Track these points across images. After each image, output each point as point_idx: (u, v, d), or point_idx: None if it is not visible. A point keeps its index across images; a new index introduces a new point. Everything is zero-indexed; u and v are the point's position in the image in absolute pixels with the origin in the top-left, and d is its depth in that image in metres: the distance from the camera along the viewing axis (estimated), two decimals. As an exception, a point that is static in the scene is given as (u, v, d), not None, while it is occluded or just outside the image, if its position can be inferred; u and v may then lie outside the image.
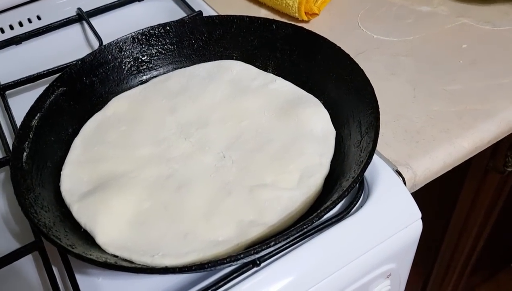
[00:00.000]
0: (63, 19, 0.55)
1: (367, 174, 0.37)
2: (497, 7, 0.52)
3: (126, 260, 0.31)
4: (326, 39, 0.41)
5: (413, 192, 0.38)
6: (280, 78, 0.43)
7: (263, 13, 0.56)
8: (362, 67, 0.37)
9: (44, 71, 0.48)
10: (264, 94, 0.42)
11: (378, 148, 0.39)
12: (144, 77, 0.46)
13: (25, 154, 0.36)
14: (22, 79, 0.48)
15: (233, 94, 0.43)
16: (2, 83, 0.48)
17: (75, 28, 0.57)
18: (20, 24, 0.58)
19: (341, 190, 0.31)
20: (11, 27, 0.58)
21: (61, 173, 0.37)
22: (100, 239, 0.32)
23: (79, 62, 0.43)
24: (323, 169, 0.36)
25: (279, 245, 0.29)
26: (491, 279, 0.98)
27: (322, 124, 0.39)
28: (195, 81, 0.44)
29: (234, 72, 0.45)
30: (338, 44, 0.40)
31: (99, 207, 0.34)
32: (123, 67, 0.45)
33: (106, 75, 0.44)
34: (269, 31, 0.44)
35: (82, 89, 0.43)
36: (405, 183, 0.37)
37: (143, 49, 0.46)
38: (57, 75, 0.43)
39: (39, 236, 0.34)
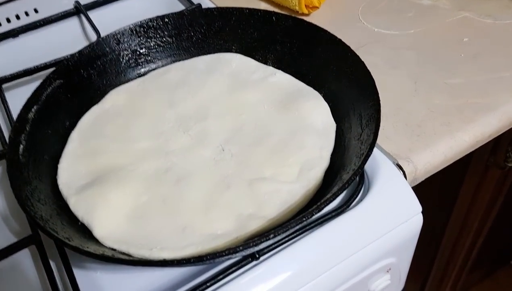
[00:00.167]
0: (60, 12, 0.55)
1: (367, 167, 0.36)
2: (498, 1, 0.52)
3: (124, 254, 0.31)
4: (326, 31, 0.41)
5: (414, 187, 0.38)
6: (280, 71, 0.43)
7: (263, 6, 0.55)
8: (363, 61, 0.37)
9: (41, 64, 0.47)
10: (263, 87, 0.42)
11: (378, 141, 0.39)
12: (143, 70, 0.46)
13: (21, 146, 0.35)
14: (19, 72, 0.47)
15: (232, 87, 0.42)
16: (-2, 76, 0.47)
17: (73, 21, 0.56)
18: (17, 17, 0.57)
19: (341, 182, 0.31)
20: (8, 20, 0.57)
21: (58, 166, 0.37)
22: (98, 232, 0.32)
23: (77, 55, 0.42)
24: (323, 162, 0.35)
25: (279, 237, 0.29)
26: (490, 277, 0.98)
27: (322, 117, 0.38)
28: (194, 74, 0.44)
29: (234, 65, 0.44)
30: (339, 38, 0.40)
31: (96, 200, 0.34)
32: (121, 59, 0.45)
33: (104, 68, 0.44)
34: (269, 23, 0.43)
35: (80, 82, 0.42)
36: (405, 177, 0.37)
37: (141, 41, 0.45)
38: (54, 68, 0.42)
39: (36, 229, 0.34)
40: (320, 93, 0.40)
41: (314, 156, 0.36)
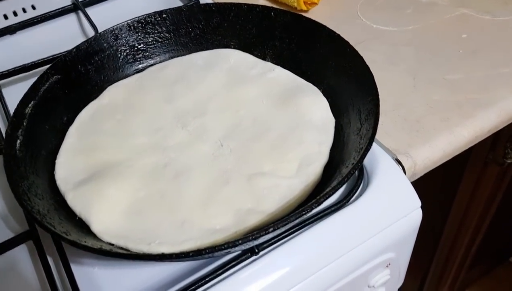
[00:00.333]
0: (58, 9, 0.55)
1: (366, 162, 0.36)
2: (497, -3, 0.52)
3: (122, 248, 0.31)
4: (325, 26, 0.40)
5: (413, 183, 0.38)
6: (278, 67, 0.43)
7: (262, 2, 0.55)
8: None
9: (38, 60, 0.47)
10: (262, 83, 0.42)
11: (378, 137, 0.38)
12: (140, 65, 0.46)
13: (18, 141, 0.35)
14: (16, 68, 0.47)
15: (231, 83, 0.42)
16: (-4, 72, 0.47)
17: (71, 17, 0.56)
18: (15, 13, 0.57)
19: (340, 177, 0.31)
20: (5, 17, 0.57)
21: (56, 161, 0.37)
22: (96, 227, 0.32)
23: (74, 50, 0.42)
24: (322, 157, 0.35)
25: (278, 231, 0.29)
26: (490, 273, 0.98)
27: (321, 113, 0.38)
28: (192, 70, 0.44)
29: (232, 61, 0.44)
30: (338, 33, 0.39)
31: (94, 195, 0.33)
32: (119, 55, 0.45)
33: (102, 64, 0.44)
34: (267, 19, 0.43)
35: (77, 77, 0.42)
36: (404, 172, 0.37)
37: (139, 37, 0.45)
38: (51, 63, 0.42)
39: (34, 225, 0.34)
40: (319, 88, 0.40)
41: (313, 151, 0.36)
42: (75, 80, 0.42)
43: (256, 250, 0.31)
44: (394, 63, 0.46)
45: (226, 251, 0.27)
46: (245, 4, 0.44)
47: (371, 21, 0.51)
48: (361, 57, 0.37)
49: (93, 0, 0.56)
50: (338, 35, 0.39)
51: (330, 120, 0.38)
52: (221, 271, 0.31)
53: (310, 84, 0.41)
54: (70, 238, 0.28)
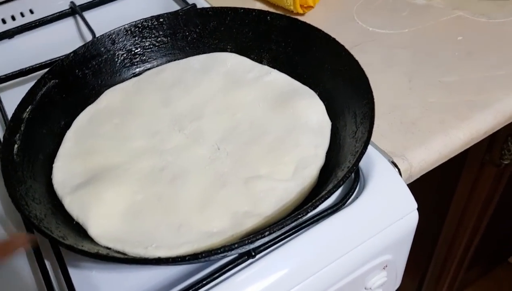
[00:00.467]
0: (56, 13, 0.55)
1: (363, 165, 0.37)
2: (492, 0, 0.52)
3: (119, 252, 0.31)
4: (321, 30, 0.41)
5: (410, 185, 0.38)
6: (275, 70, 0.43)
7: (258, 6, 0.55)
8: (357, 60, 0.37)
9: (36, 64, 0.47)
10: (259, 87, 0.42)
11: (373, 139, 0.39)
12: (138, 69, 0.46)
13: (16, 146, 0.35)
14: (14, 72, 0.47)
15: (227, 86, 0.42)
16: (-7, 76, 0.47)
17: (68, 22, 0.56)
18: (13, 18, 0.57)
19: (336, 180, 0.31)
20: (4, 21, 0.57)
21: (53, 165, 0.37)
22: (93, 231, 0.32)
23: (71, 54, 0.42)
24: (318, 160, 0.35)
25: (274, 235, 0.29)
26: (488, 274, 0.98)
27: (317, 116, 0.39)
28: (189, 74, 0.44)
29: (229, 65, 0.44)
30: (333, 37, 0.40)
31: (91, 199, 0.34)
32: (116, 59, 0.45)
33: (99, 68, 0.44)
34: (264, 23, 0.44)
35: (75, 82, 0.42)
36: (400, 174, 0.37)
37: (136, 41, 0.45)
38: (49, 68, 0.42)
39: (31, 229, 0.34)
40: (315, 92, 0.41)
41: (309, 154, 0.36)
42: (72, 84, 0.42)
43: (253, 253, 0.31)
44: (390, 65, 0.46)
45: (222, 255, 0.28)
46: (241, 8, 0.44)
47: (367, 24, 0.51)
48: (356, 60, 0.37)
49: (90, 4, 0.56)
50: (334, 38, 0.39)
51: (326, 123, 0.38)
52: (218, 274, 0.31)
53: (307, 88, 0.41)
54: (67, 242, 0.28)
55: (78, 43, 0.54)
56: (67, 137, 0.39)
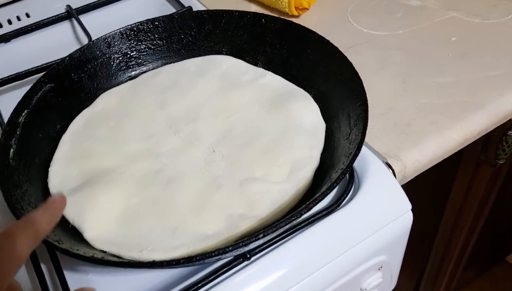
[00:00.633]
0: (52, 17, 0.55)
1: (357, 166, 0.37)
2: (486, 1, 0.52)
3: (114, 256, 0.31)
4: (315, 33, 0.41)
5: (406, 185, 0.38)
6: (270, 72, 0.43)
7: (254, 8, 0.56)
8: (352, 61, 0.37)
9: (32, 68, 0.47)
10: (254, 89, 0.42)
11: (368, 140, 0.39)
12: (133, 72, 0.46)
13: (12, 150, 0.35)
14: (10, 76, 0.47)
15: (222, 89, 0.43)
16: (-10, 81, 0.47)
17: (65, 25, 0.56)
18: (9, 22, 0.57)
19: (330, 181, 0.31)
20: (0, 25, 0.57)
21: (49, 169, 0.37)
22: (88, 235, 0.32)
23: (67, 58, 0.42)
24: (313, 161, 0.36)
25: (269, 237, 0.29)
26: (485, 274, 0.98)
27: (312, 118, 0.39)
28: (184, 77, 0.44)
29: (224, 67, 0.44)
30: (328, 39, 0.40)
31: (87, 203, 0.34)
32: (112, 63, 0.45)
33: (95, 71, 0.44)
34: (258, 25, 0.44)
35: (70, 85, 0.43)
36: (395, 175, 0.37)
37: (132, 44, 0.45)
38: (45, 72, 0.42)
39: (27, 233, 0.34)
40: (310, 94, 0.41)
41: (304, 156, 0.36)
42: (68, 88, 0.42)
43: (248, 256, 0.31)
44: (384, 67, 0.46)
45: (217, 257, 0.28)
46: (236, 11, 0.44)
47: (361, 26, 0.51)
48: (350, 63, 0.37)
49: (86, 7, 0.56)
50: (328, 41, 0.40)
51: (321, 125, 0.38)
52: (213, 276, 0.31)
53: (301, 90, 0.41)
54: (62, 246, 0.29)
55: (74, 47, 0.54)
56: (63, 141, 0.40)
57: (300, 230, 0.33)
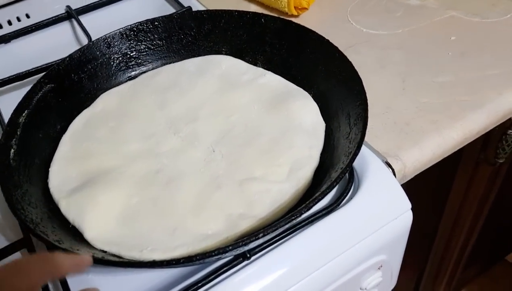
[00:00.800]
0: (52, 17, 0.55)
1: (357, 166, 0.37)
2: (485, 0, 0.52)
3: (114, 255, 0.31)
4: (314, 32, 0.41)
5: (406, 184, 0.38)
6: (269, 72, 0.43)
7: (253, 8, 0.56)
8: (351, 61, 0.37)
9: (32, 69, 0.47)
10: (253, 89, 0.42)
11: (367, 140, 0.39)
12: (133, 73, 0.46)
13: (12, 150, 0.36)
14: (11, 77, 0.47)
15: (222, 89, 0.43)
16: (-10, 81, 0.47)
17: (64, 26, 0.56)
18: (9, 22, 0.57)
19: (330, 181, 0.31)
20: (0, 26, 0.57)
21: (49, 169, 0.37)
22: (88, 235, 0.32)
23: (67, 59, 0.42)
24: (312, 161, 0.36)
25: (268, 237, 0.29)
26: (485, 273, 0.98)
27: (311, 117, 0.39)
28: (184, 77, 0.44)
29: (224, 67, 0.44)
30: (327, 38, 0.40)
31: (87, 203, 0.34)
32: (112, 63, 0.45)
33: (95, 71, 0.44)
34: (258, 25, 0.44)
35: (70, 86, 0.43)
36: (394, 174, 0.37)
37: (132, 45, 0.45)
38: (45, 72, 0.42)
39: (28, 233, 0.34)
40: (310, 93, 0.41)
41: (303, 155, 0.36)
42: (68, 88, 0.42)
43: (248, 255, 0.32)
44: (383, 66, 0.46)
45: (217, 257, 0.28)
46: (235, 10, 0.45)
47: (361, 25, 0.51)
48: (350, 62, 0.37)
49: (86, 8, 0.56)
50: (327, 40, 0.40)
51: (321, 125, 0.38)
52: (213, 276, 0.31)
53: (301, 89, 0.41)
54: (63, 246, 0.29)
55: (74, 47, 0.54)
56: (63, 141, 0.40)
57: (300, 230, 0.33)
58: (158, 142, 0.39)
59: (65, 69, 0.42)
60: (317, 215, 0.34)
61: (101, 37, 0.44)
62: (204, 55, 0.46)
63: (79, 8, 0.56)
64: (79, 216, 0.33)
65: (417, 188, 0.41)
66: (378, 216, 0.35)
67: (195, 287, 0.30)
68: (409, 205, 0.36)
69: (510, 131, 0.52)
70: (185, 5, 0.52)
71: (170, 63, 0.46)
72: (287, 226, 0.30)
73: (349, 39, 0.49)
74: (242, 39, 0.45)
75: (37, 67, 0.47)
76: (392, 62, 0.46)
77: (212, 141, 0.38)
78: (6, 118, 0.38)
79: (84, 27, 0.52)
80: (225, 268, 0.31)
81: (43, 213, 0.33)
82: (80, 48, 0.44)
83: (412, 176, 0.39)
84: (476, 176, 0.57)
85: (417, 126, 0.40)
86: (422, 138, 0.39)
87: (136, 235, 0.32)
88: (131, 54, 0.46)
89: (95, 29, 0.51)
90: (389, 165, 0.37)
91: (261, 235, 0.27)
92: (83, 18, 0.54)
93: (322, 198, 0.30)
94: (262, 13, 0.44)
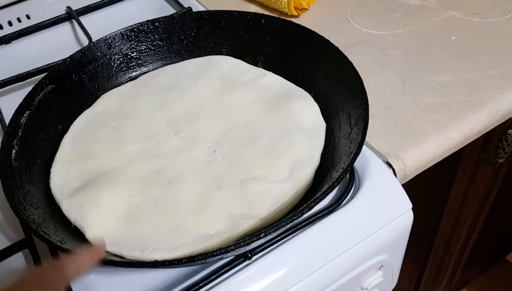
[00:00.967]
0: (52, 18, 0.55)
1: (357, 166, 0.37)
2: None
3: (116, 255, 0.31)
4: (315, 32, 0.41)
5: (406, 184, 0.38)
6: (270, 72, 0.44)
7: (253, 8, 0.56)
8: (351, 61, 0.38)
9: (33, 69, 0.47)
10: (254, 89, 0.42)
11: (368, 140, 0.39)
12: (134, 73, 0.46)
13: (14, 151, 0.36)
14: (12, 78, 0.47)
15: (223, 89, 0.43)
16: (-9, 82, 0.48)
17: (65, 26, 0.56)
18: (10, 23, 0.58)
19: (331, 181, 0.31)
20: (0, 27, 0.57)
21: (51, 169, 0.37)
22: (90, 235, 0.32)
23: (68, 60, 0.43)
24: (313, 161, 0.36)
25: (270, 236, 0.29)
26: (485, 273, 0.98)
27: (312, 117, 0.39)
28: (185, 77, 0.44)
29: (224, 68, 0.45)
30: (327, 38, 0.40)
31: (89, 203, 0.34)
32: (112, 64, 0.45)
33: (96, 72, 0.44)
34: (258, 25, 0.44)
35: (71, 86, 0.43)
36: (395, 174, 0.37)
37: (132, 45, 0.46)
38: (46, 73, 0.42)
39: (29, 233, 0.34)
40: (310, 93, 0.41)
41: (304, 155, 0.36)
42: (69, 89, 0.43)
43: (249, 255, 0.32)
44: (384, 66, 0.46)
45: (218, 257, 0.28)
46: (236, 11, 0.45)
47: (361, 25, 0.51)
48: (350, 62, 0.37)
49: (86, 9, 0.56)
50: (328, 40, 0.40)
51: (321, 125, 0.38)
52: (215, 276, 0.31)
53: (301, 89, 0.42)
54: (65, 246, 0.29)
55: (75, 48, 0.54)
56: (65, 142, 0.40)
57: (301, 229, 0.33)
58: (159, 143, 0.39)
59: (66, 70, 0.42)
60: (318, 215, 0.34)
61: (102, 38, 0.44)
62: (204, 55, 0.46)
63: (80, 8, 0.56)
64: (80, 216, 0.33)
65: (417, 187, 0.41)
66: (379, 216, 0.35)
67: (196, 287, 0.31)
68: (409, 204, 0.36)
69: (510, 131, 0.52)
70: (186, 6, 0.52)
71: (170, 63, 0.47)
72: (288, 226, 0.30)
73: (349, 39, 0.49)
74: (243, 40, 0.45)
75: (38, 68, 0.47)
76: (392, 62, 0.46)
77: (213, 142, 0.38)
78: (8, 119, 0.38)
79: (84, 28, 0.52)
80: (226, 268, 0.31)
81: (45, 213, 0.33)
82: (81, 49, 0.44)
83: (413, 175, 0.39)
84: (476, 175, 0.57)
85: (417, 126, 0.40)
86: (423, 138, 0.39)
87: (137, 235, 0.32)
88: (132, 54, 0.46)
89: (96, 30, 0.51)
90: (389, 165, 0.37)
91: (262, 235, 0.28)
92: (84, 19, 0.55)
93: (324, 197, 0.30)
94: (262, 14, 0.44)
